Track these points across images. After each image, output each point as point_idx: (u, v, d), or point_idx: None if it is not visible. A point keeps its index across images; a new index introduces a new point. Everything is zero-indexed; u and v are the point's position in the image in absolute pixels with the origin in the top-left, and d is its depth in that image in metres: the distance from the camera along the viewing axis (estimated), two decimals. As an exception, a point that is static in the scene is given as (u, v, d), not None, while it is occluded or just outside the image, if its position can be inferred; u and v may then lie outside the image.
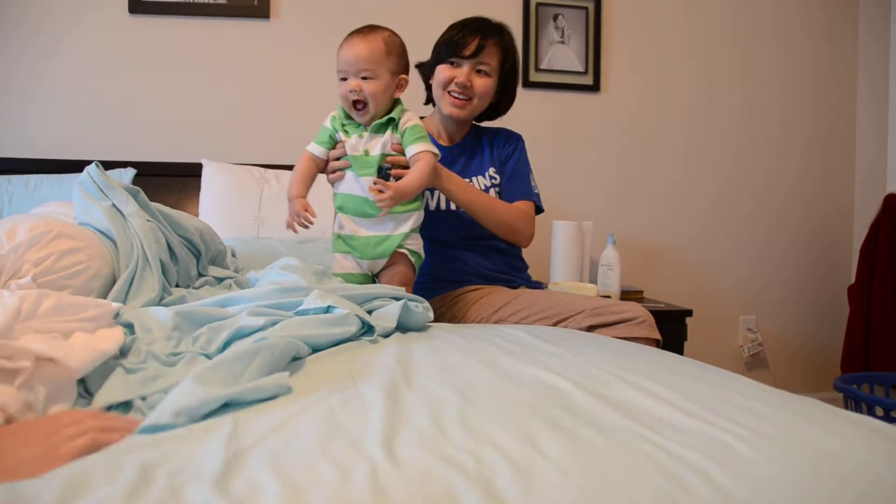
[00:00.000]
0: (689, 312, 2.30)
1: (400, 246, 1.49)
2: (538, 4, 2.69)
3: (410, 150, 1.48)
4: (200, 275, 1.45)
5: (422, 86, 1.79)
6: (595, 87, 2.76)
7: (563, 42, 2.72)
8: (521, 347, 1.10)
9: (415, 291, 1.52)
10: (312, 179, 1.52)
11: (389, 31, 1.49)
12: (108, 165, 1.83)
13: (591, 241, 2.53)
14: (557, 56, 2.71)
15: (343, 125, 1.50)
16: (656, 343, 1.49)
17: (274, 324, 1.00)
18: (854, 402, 2.27)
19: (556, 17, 2.71)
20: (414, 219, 1.51)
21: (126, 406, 0.80)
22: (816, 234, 3.02)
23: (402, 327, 1.22)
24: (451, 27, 1.70)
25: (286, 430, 0.68)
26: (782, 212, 2.98)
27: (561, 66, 2.72)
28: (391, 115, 1.49)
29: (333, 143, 1.52)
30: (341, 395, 0.80)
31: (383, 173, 1.46)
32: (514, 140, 1.82)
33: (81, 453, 0.60)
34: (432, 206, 1.70)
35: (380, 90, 1.44)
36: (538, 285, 1.85)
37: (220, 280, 1.46)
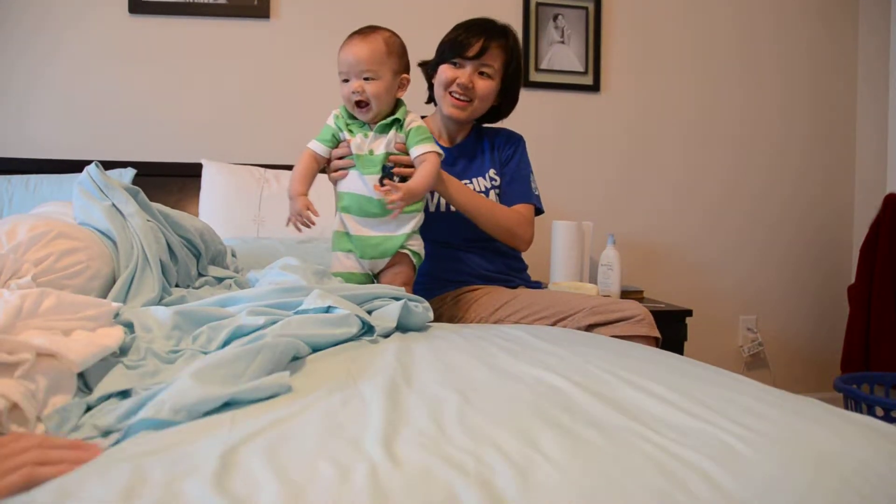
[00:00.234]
0: (689, 312, 2.30)
1: (402, 246, 1.49)
2: (538, 4, 2.69)
3: (416, 151, 1.48)
4: (200, 275, 1.45)
5: (422, 85, 1.79)
6: (595, 87, 2.76)
7: (563, 42, 2.72)
8: (521, 347, 1.10)
9: (414, 291, 1.52)
10: (313, 177, 1.52)
11: (389, 31, 1.49)
12: (108, 165, 1.82)
13: (591, 241, 2.53)
14: (557, 56, 2.71)
15: (347, 124, 1.49)
16: (656, 341, 1.49)
17: (273, 323, 1.00)
18: (854, 402, 2.27)
19: (556, 17, 2.71)
20: (416, 220, 1.51)
21: (124, 395, 0.80)
22: (816, 233, 3.02)
23: (402, 327, 1.22)
24: (456, 27, 1.69)
25: (286, 428, 0.68)
26: (782, 212, 2.98)
27: (561, 66, 2.72)
28: (396, 115, 1.49)
29: (336, 141, 1.51)
30: (341, 394, 0.80)
31: (387, 172, 1.46)
32: (514, 141, 1.81)
33: (12, 492, 0.54)
34: (432, 207, 1.70)
35: (382, 90, 1.44)
36: (537, 285, 1.85)
37: (220, 280, 1.47)
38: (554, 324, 1.51)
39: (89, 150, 2.33)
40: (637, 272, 2.75)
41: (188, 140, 2.43)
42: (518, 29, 2.57)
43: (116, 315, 1.04)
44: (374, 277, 1.54)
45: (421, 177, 1.45)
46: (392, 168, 1.47)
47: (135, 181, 2.02)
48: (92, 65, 2.38)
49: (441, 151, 1.51)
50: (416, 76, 1.62)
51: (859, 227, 2.97)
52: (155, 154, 2.39)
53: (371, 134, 1.48)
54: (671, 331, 2.20)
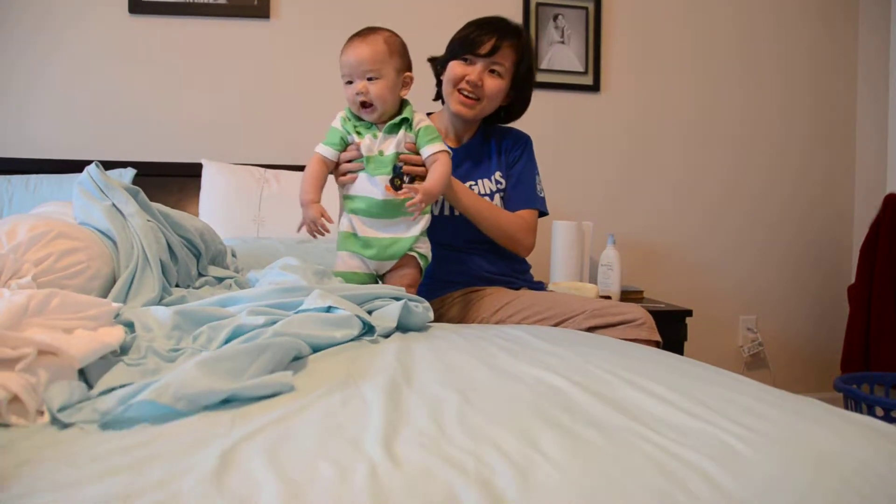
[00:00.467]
0: (689, 312, 2.30)
1: (410, 249, 1.49)
2: (538, 4, 2.69)
3: (427, 150, 1.48)
4: (200, 275, 1.45)
5: (428, 82, 1.77)
6: (595, 87, 2.76)
7: (563, 42, 2.72)
8: (522, 347, 1.10)
9: (417, 293, 1.52)
10: (324, 182, 1.50)
11: (389, 30, 1.49)
12: (108, 165, 1.82)
13: (591, 241, 2.53)
14: (557, 56, 2.71)
15: (355, 126, 1.48)
16: (656, 345, 1.48)
17: (273, 323, 1.00)
18: (854, 402, 2.27)
19: (556, 17, 2.71)
20: (425, 221, 1.51)
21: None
22: (816, 233, 3.02)
23: (403, 327, 1.22)
24: (469, 25, 1.67)
25: (286, 427, 0.69)
26: (782, 212, 2.98)
27: (561, 66, 2.72)
28: (404, 115, 1.49)
29: (345, 144, 1.50)
30: (341, 394, 0.80)
31: (398, 172, 1.46)
32: (521, 143, 1.79)
33: None
34: (436, 210, 1.69)
35: (386, 90, 1.44)
36: (540, 286, 1.85)
37: (220, 280, 1.46)
38: (554, 326, 1.51)
39: (89, 150, 2.33)
40: (637, 272, 2.75)
41: (188, 140, 2.43)
42: (518, 29, 2.57)
43: (117, 315, 1.04)
44: (380, 279, 1.53)
45: (437, 177, 1.45)
46: (402, 167, 1.46)
47: (135, 181, 2.02)
48: (92, 65, 2.38)
49: (450, 151, 1.50)
50: (421, 74, 1.61)
51: (859, 227, 2.97)
52: (155, 154, 2.39)
53: (380, 135, 1.47)
54: (671, 331, 2.20)
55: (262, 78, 2.50)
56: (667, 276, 2.84)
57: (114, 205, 1.31)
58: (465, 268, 1.73)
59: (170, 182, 2.30)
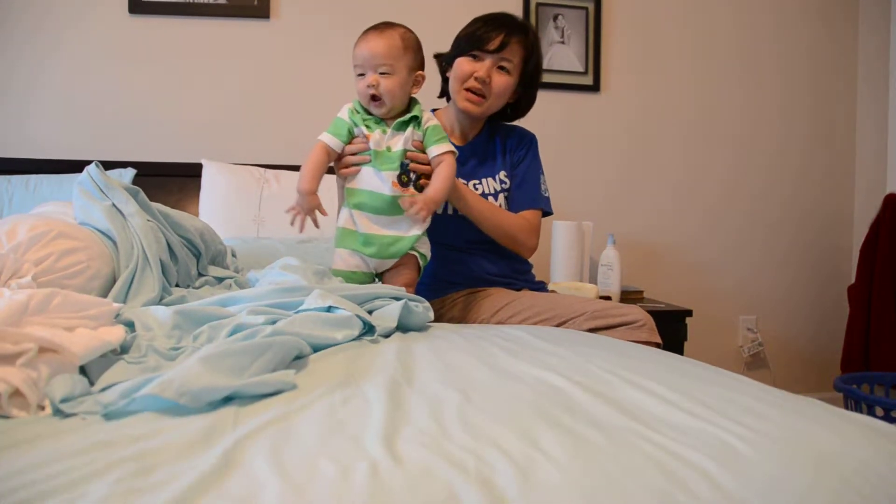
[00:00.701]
0: (689, 312, 2.30)
1: (411, 248, 1.48)
2: (538, 4, 2.69)
3: (434, 150, 1.48)
4: (200, 275, 1.45)
5: (434, 79, 1.76)
6: (595, 87, 2.76)
7: (563, 42, 2.72)
8: (522, 347, 1.10)
9: (417, 293, 1.51)
10: (324, 172, 1.48)
11: (405, 27, 1.48)
12: (108, 165, 1.82)
13: (591, 241, 2.53)
14: (557, 56, 2.71)
15: (364, 120, 1.47)
16: (656, 346, 1.48)
17: (274, 322, 1.00)
18: (854, 402, 2.27)
19: (556, 17, 2.71)
20: (427, 220, 1.50)
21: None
22: (816, 234, 3.02)
23: (403, 327, 1.22)
24: (475, 21, 1.66)
25: (287, 426, 0.69)
26: (782, 212, 2.98)
27: (561, 66, 2.72)
28: (414, 112, 1.48)
29: (351, 136, 1.48)
30: (342, 392, 0.80)
31: (404, 169, 1.46)
32: (527, 142, 1.78)
33: None
34: (438, 210, 1.69)
35: (397, 86, 1.44)
36: (541, 286, 1.84)
37: (220, 280, 1.46)
38: (555, 327, 1.51)
39: (89, 150, 2.33)
40: (637, 272, 2.75)
41: (188, 140, 2.43)
42: (518, 29, 2.57)
43: (117, 315, 1.04)
44: (378, 277, 1.52)
45: (439, 185, 1.44)
46: (409, 165, 1.46)
47: (135, 181, 2.02)
48: (92, 65, 2.38)
49: (455, 151, 1.50)
50: (429, 71, 1.61)
51: (859, 227, 2.97)
52: (155, 154, 2.39)
53: (389, 131, 1.46)
54: (671, 331, 2.20)
55: (262, 78, 2.50)
56: (667, 276, 2.84)
57: (114, 205, 1.31)
58: (466, 268, 1.73)
59: (170, 182, 2.30)
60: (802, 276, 3.01)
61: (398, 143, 1.46)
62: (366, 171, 1.46)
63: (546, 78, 2.67)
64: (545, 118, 2.67)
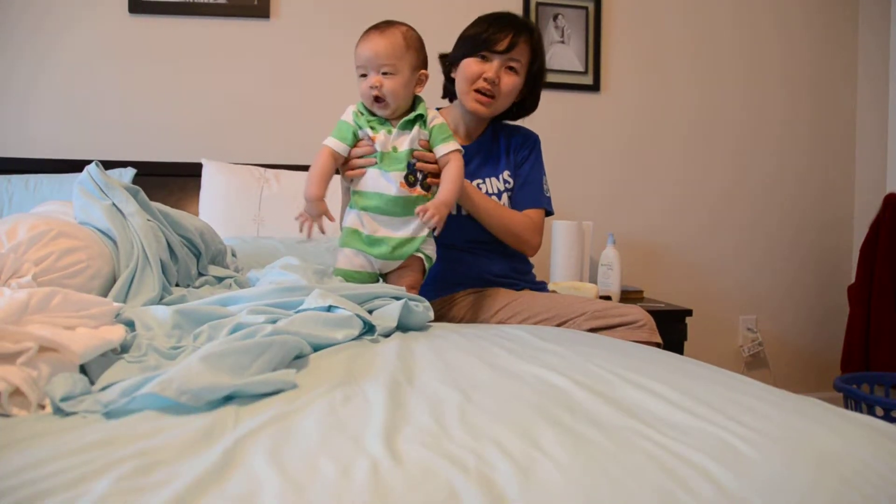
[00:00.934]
0: (689, 312, 2.30)
1: (418, 250, 1.48)
2: (538, 4, 2.69)
3: (441, 150, 1.47)
4: (200, 274, 1.45)
5: (436, 79, 1.75)
6: (595, 87, 2.76)
7: (563, 42, 2.72)
8: (522, 346, 1.10)
9: (418, 293, 1.51)
10: (330, 177, 1.47)
11: (407, 25, 1.47)
12: (108, 165, 1.82)
13: (591, 241, 2.53)
14: (557, 56, 2.71)
15: (369, 121, 1.46)
16: (657, 346, 1.48)
17: (274, 322, 1.00)
18: (854, 402, 2.27)
19: (556, 17, 2.71)
20: (439, 224, 1.49)
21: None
22: (816, 233, 3.02)
23: (403, 327, 1.22)
24: (480, 21, 1.66)
25: (288, 424, 0.69)
26: (782, 212, 2.98)
27: (561, 66, 2.72)
28: (419, 111, 1.47)
29: (356, 139, 1.48)
30: (343, 391, 0.80)
31: (411, 168, 1.45)
32: (530, 142, 1.78)
33: None
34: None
35: (400, 86, 1.42)
36: (542, 286, 1.84)
37: (220, 279, 1.46)
38: (555, 327, 1.50)
39: (89, 150, 2.33)
40: (637, 272, 2.75)
41: (188, 140, 2.43)
42: (518, 29, 2.57)
43: (117, 314, 1.04)
44: (382, 278, 1.51)
45: (450, 184, 1.44)
46: (416, 164, 1.45)
47: (135, 181, 2.02)
48: (92, 65, 2.38)
49: (462, 149, 1.50)
50: (430, 69, 1.60)
51: (859, 227, 2.97)
52: (155, 154, 2.39)
53: (395, 131, 1.45)
54: (671, 331, 2.20)
55: (262, 78, 2.50)
56: (667, 276, 2.84)
57: (114, 204, 1.31)
58: (468, 268, 1.73)
59: (170, 182, 2.30)
60: (802, 275, 3.01)
61: (404, 142, 1.45)
62: (372, 172, 1.45)
63: (546, 78, 2.68)
64: (545, 118, 2.66)
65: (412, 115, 1.47)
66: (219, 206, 2.17)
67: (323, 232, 1.45)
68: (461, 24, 1.70)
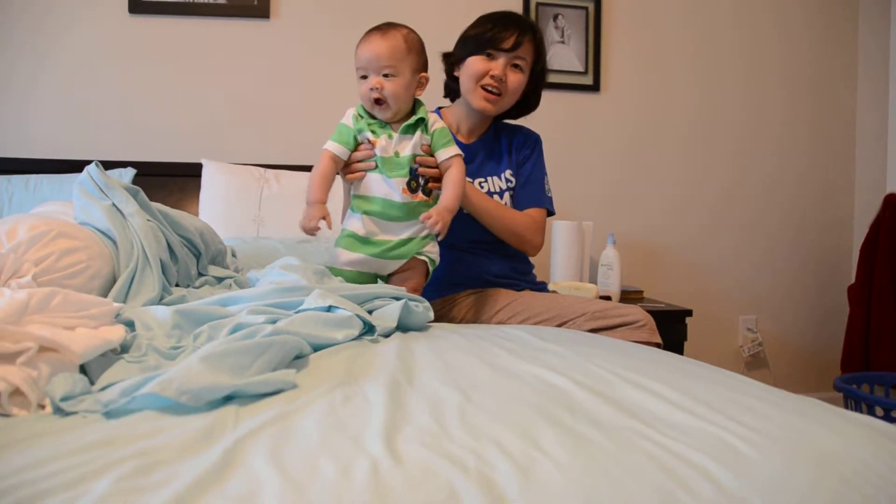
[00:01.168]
0: (689, 312, 2.30)
1: (419, 252, 1.47)
2: (538, 4, 2.69)
3: (442, 154, 1.46)
4: (200, 274, 1.45)
5: (437, 79, 1.75)
6: (595, 87, 2.76)
7: (563, 42, 2.72)
8: (522, 347, 1.10)
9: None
10: (332, 181, 1.47)
11: (408, 28, 1.47)
12: (108, 165, 1.82)
13: (591, 241, 2.53)
14: (557, 56, 2.71)
15: (369, 125, 1.45)
16: (657, 347, 1.48)
17: (274, 322, 1.00)
18: (854, 402, 2.27)
19: (556, 17, 2.71)
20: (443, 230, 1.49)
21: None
22: (816, 233, 3.02)
23: (403, 327, 1.22)
24: (484, 20, 1.66)
25: (288, 424, 0.69)
26: (782, 212, 2.98)
27: (561, 66, 2.72)
28: (420, 115, 1.47)
29: (356, 143, 1.47)
30: (343, 391, 0.80)
31: (413, 174, 1.45)
32: (532, 142, 1.79)
33: None
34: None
35: (401, 88, 1.42)
36: (542, 286, 1.84)
37: (220, 280, 1.46)
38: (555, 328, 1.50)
39: (89, 150, 2.33)
40: (637, 272, 2.75)
41: (188, 140, 2.43)
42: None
43: (117, 315, 1.04)
44: (384, 280, 1.50)
45: (452, 190, 1.44)
46: (417, 169, 1.45)
47: (135, 181, 2.02)
48: (92, 65, 2.38)
49: (462, 154, 1.50)
50: (431, 71, 1.60)
51: (859, 227, 2.97)
52: (155, 154, 2.39)
53: (396, 135, 1.44)
54: (671, 331, 2.20)
55: (262, 78, 2.50)
56: (667, 276, 2.84)
57: (114, 204, 1.31)
58: (469, 268, 1.73)
59: (170, 182, 2.30)
60: (802, 276, 3.01)
61: (406, 147, 1.45)
62: (375, 177, 1.45)
63: (548, 77, 2.68)
64: (545, 118, 2.65)
65: (413, 119, 1.46)
66: (219, 206, 2.17)
67: (329, 227, 1.43)
68: (461, 25, 1.71)
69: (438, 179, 1.48)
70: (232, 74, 2.47)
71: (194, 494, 0.52)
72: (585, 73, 2.75)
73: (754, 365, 2.94)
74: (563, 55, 2.72)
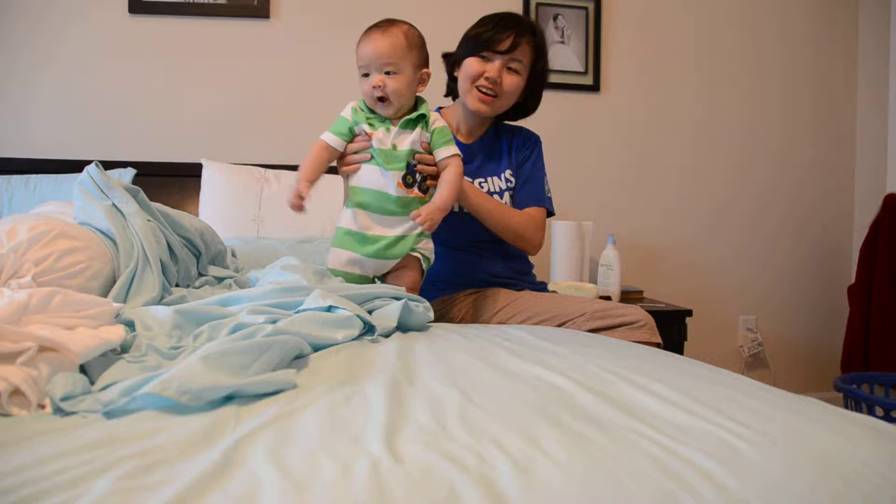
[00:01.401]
0: (689, 312, 2.30)
1: (413, 249, 1.47)
2: (538, 4, 2.69)
3: (441, 153, 1.46)
4: (200, 274, 1.45)
5: (439, 78, 1.75)
6: (595, 87, 2.76)
7: (563, 42, 2.72)
8: (523, 347, 1.10)
9: (419, 293, 1.50)
10: (323, 168, 1.46)
11: (408, 24, 1.46)
12: (108, 165, 1.82)
13: (591, 241, 2.52)
14: (557, 56, 2.71)
15: (368, 118, 1.46)
16: (657, 347, 1.48)
17: (274, 322, 1.00)
18: (854, 402, 2.27)
19: (556, 17, 2.71)
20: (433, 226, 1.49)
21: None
22: (816, 233, 3.02)
23: (403, 327, 1.22)
24: (484, 21, 1.66)
25: (288, 424, 0.69)
26: (782, 212, 2.98)
27: (561, 66, 2.72)
28: (421, 111, 1.47)
29: (352, 135, 1.47)
30: (343, 391, 0.80)
31: (410, 169, 1.45)
32: (532, 142, 1.79)
33: None
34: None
35: (403, 85, 1.42)
36: (542, 286, 1.84)
37: (220, 280, 1.46)
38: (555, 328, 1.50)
39: (89, 150, 2.33)
40: (637, 272, 2.75)
41: (188, 140, 2.43)
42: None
43: (117, 315, 1.04)
44: (380, 279, 1.50)
45: (447, 190, 1.43)
46: (416, 165, 1.45)
47: (135, 181, 2.02)
48: (92, 65, 2.38)
49: (461, 154, 1.49)
50: (432, 68, 1.60)
51: (859, 227, 2.97)
52: (155, 154, 2.39)
53: (394, 129, 1.44)
54: (671, 331, 2.20)
55: (262, 78, 2.50)
56: (667, 277, 2.84)
57: (114, 204, 1.31)
58: (468, 269, 1.73)
59: (170, 182, 2.30)
60: (802, 276, 3.01)
61: (405, 142, 1.44)
62: (370, 169, 1.44)
63: (549, 79, 2.68)
64: (545, 118, 2.66)
65: (414, 114, 1.46)
66: (219, 206, 2.17)
67: (297, 209, 1.39)
68: (461, 24, 1.70)
69: (436, 178, 1.48)
70: (232, 74, 2.47)
71: (194, 494, 0.52)
72: (585, 73, 2.75)
73: (754, 365, 2.94)
74: (563, 55, 2.72)
